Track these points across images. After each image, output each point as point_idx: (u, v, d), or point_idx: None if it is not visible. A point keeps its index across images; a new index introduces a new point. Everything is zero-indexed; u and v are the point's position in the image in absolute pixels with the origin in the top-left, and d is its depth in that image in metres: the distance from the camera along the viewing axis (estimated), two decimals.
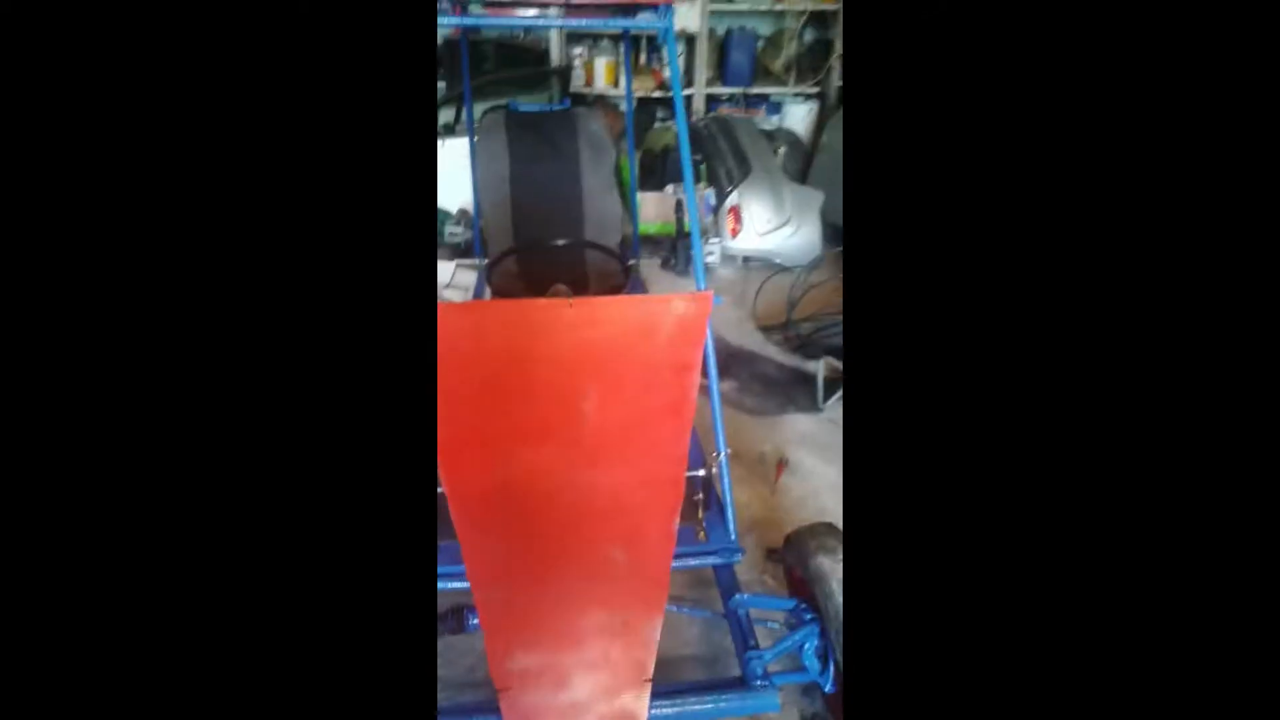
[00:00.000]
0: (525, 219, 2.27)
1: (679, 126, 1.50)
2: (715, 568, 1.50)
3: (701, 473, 1.47)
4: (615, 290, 1.86)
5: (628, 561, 1.30)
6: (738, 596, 1.39)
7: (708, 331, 1.43)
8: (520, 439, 1.39)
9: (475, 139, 2.35)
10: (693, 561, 1.49)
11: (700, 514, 1.51)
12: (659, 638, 1.24)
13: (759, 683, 1.25)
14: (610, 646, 1.26)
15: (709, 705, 1.26)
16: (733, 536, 1.46)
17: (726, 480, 1.46)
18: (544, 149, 2.25)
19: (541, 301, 1.55)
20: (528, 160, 2.24)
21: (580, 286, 2.13)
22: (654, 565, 1.29)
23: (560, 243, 2.03)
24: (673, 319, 1.39)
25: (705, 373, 1.44)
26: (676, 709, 1.26)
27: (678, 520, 1.31)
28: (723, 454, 1.45)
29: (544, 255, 2.02)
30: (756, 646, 1.32)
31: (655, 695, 1.27)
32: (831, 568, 1.21)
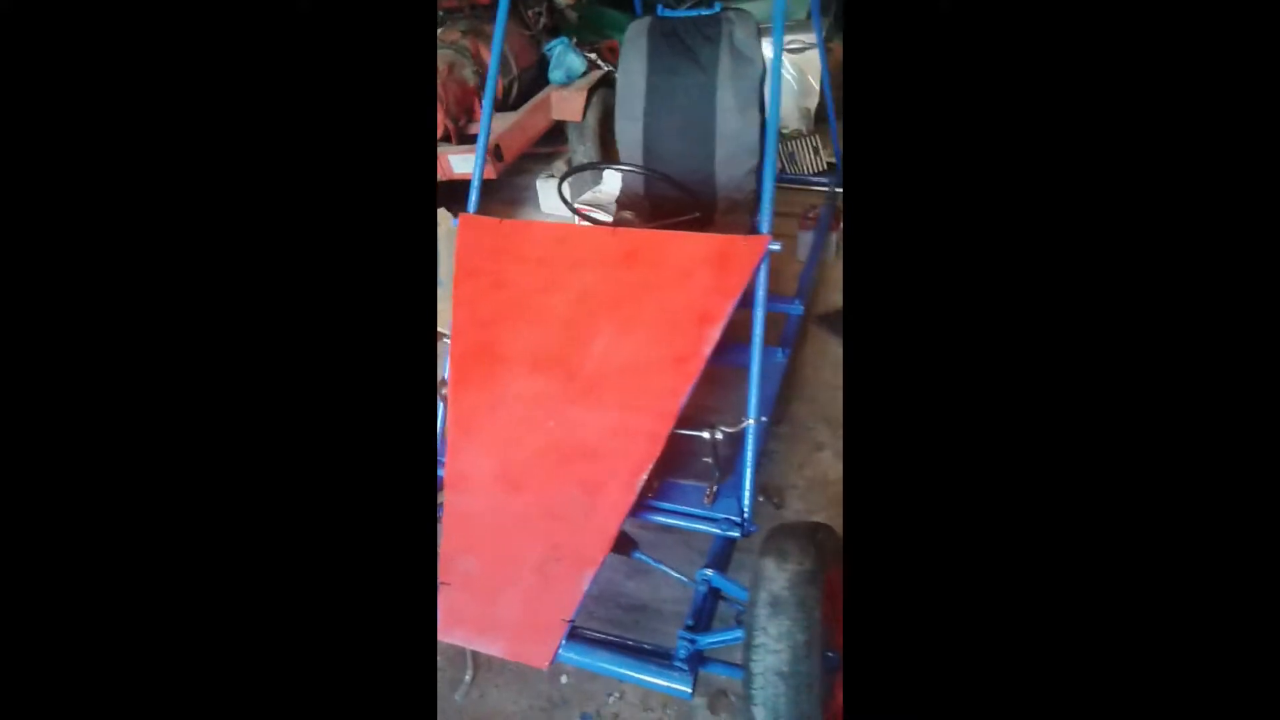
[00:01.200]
0: (656, 138, 2.04)
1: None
2: (715, 537, 1.42)
3: (711, 434, 1.39)
4: (694, 227, 1.74)
5: (583, 505, 1.28)
6: (702, 571, 1.33)
7: (760, 281, 1.36)
8: (526, 363, 1.42)
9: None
10: (685, 524, 1.43)
11: (713, 478, 1.45)
12: (587, 586, 1.21)
13: (679, 664, 1.19)
14: (541, 581, 1.24)
15: (622, 668, 1.22)
16: (745, 510, 1.33)
17: (751, 449, 1.35)
18: (682, 60, 1.99)
19: (583, 228, 1.54)
20: (665, 72, 2.00)
21: (706, 220, 1.97)
22: (605, 516, 1.25)
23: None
24: (714, 262, 1.35)
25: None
26: (589, 658, 1.23)
27: (644, 476, 1.26)
28: (751, 420, 1.35)
29: (671, 181, 1.89)
30: (699, 628, 1.26)
31: (584, 639, 1.25)
32: (773, 572, 1.10)
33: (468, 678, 1.45)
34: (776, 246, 1.38)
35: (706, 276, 1.38)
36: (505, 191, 3.55)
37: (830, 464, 1.90)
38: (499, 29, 1.69)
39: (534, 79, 3.31)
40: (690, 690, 1.13)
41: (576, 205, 2.62)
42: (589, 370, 1.37)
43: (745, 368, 1.86)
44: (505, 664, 1.45)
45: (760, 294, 1.39)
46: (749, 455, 1.37)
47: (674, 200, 2.01)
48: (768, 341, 1.94)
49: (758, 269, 1.38)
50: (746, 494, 1.36)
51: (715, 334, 1.33)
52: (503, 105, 3.16)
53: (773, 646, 1.01)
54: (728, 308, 1.34)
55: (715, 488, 1.45)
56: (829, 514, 1.76)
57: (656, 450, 1.28)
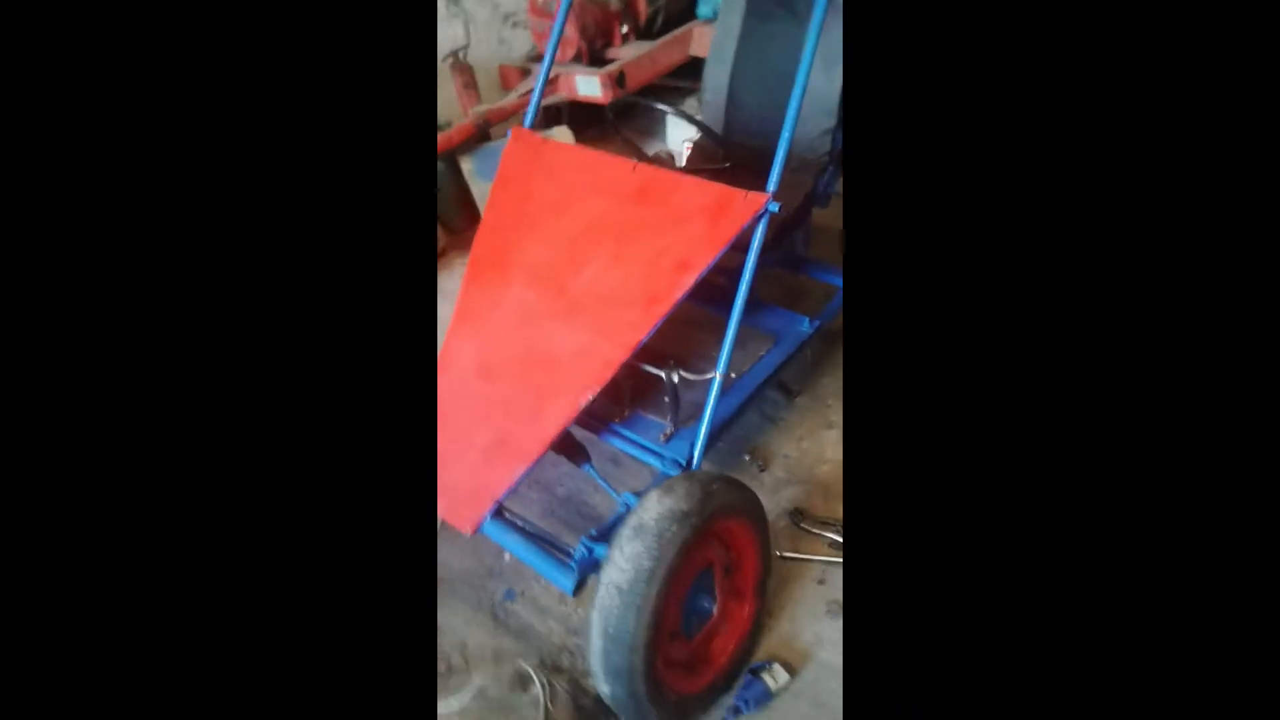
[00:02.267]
0: (741, 86, 1.98)
1: None
2: (659, 472, 1.50)
3: (668, 375, 1.46)
4: (719, 175, 1.72)
5: (533, 407, 1.41)
6: (627, 494, 1.41)
7: (756, 237, 1.38)
8: (526, 274, 1.55)
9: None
10: (639, 454, 1.52)
11: (669, 418, 1.53)
12: (516, 482, 1.35)
13: (571, 564, 1.31)
14: (485, 461, 1.40)
15: (525, 553, 1.34)
16: (695, 455, 1.39)
17: (712, 400, 1.39)
18: (779, 7, 1.89)
19: (610, 158, 1.62)
20: (760, 17, 1.92)
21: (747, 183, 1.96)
22: (548, 421, 1.37)
23: (651, 104, 1.89)
24: (710, 212, 1.38)
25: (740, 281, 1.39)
26: (505, 537, 1.37)
27: (590, 396, 1.36)
28: (718, 374, 1.39)
29: (744, 140, 1.85)
30: (600, 539, 1.33)
31: (506, 521, 1.40)
32: (650, 504, 1.15)
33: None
34: (775, 207, 1.37)
35: (700, 224, 1.41)
36: (641, 120, 3.62)
37: (832, 444, 1.87)
38: None
39: (683, 11, 3.30)
40: (571, 588, 1.25)
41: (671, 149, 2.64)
42: (574, 292, 1.48)
43: (763, 328, 1.86)
44: (462, 534, 1.65)
45: (753, 250, 1.40)
46: (709, 405, 1.41)
47: (748, 150, 1.99)
48: (806, 310, 1.91)
49: (754, 226, 1.38)
50: (700, 441, 1.41)
51: (689, 281, 1.36)
52: (645, 34, 3.19)
53: (621, 564, 1.10)
54: (710, 258, 1.37)
55: (671, 428, 1.53)
56: (806, 489, 1.76)
57: (607, 375, 1.36)
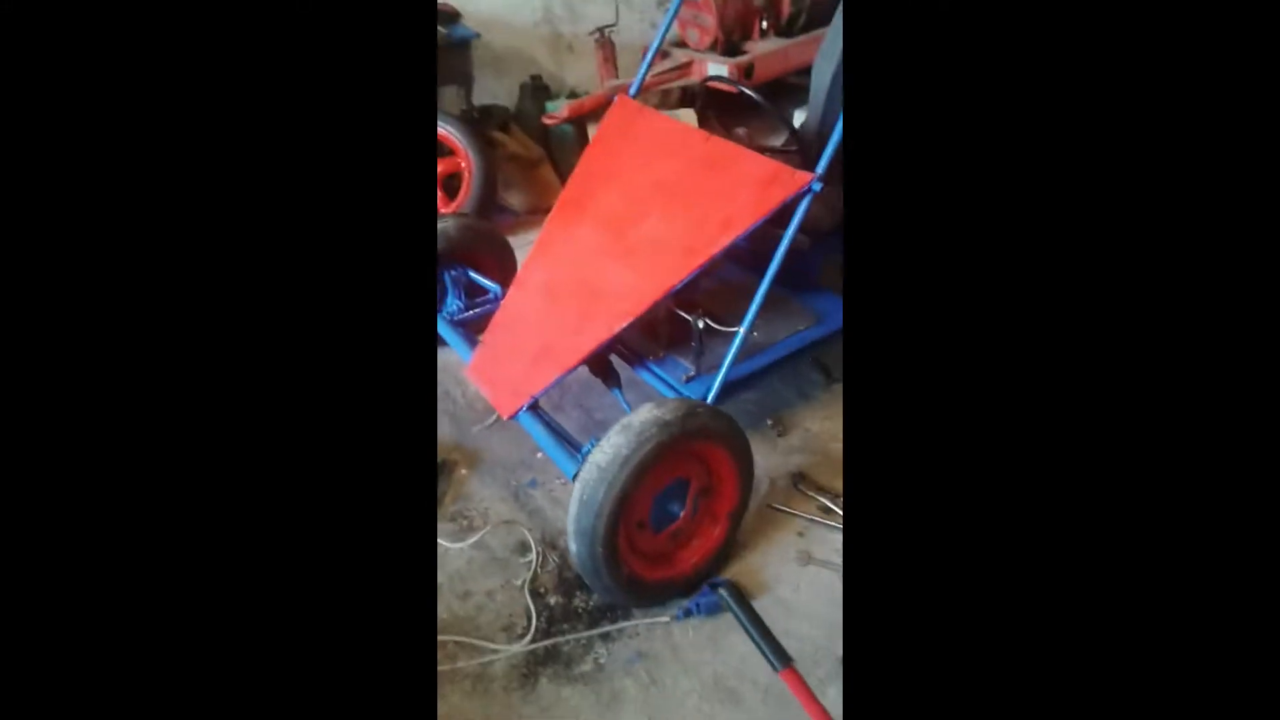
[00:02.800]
0: (837, 87, 2.02)
1: None
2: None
3: (694, 319, 1.67)
4: (785, 156, 1.84)
5: (575, 327, 1.66)
6: (630, 415, 1.58)
7: (797, 214, 1.54)
8: (598, 219, 1.81)
9: None
10: (662, 389, 1.74)
11: (694, 361, 1.73)
12: (551, 384, 1.61)
13: (578, 455, 1.54)
14: (530, 364, 1.67)
15: (542, 439, 1.58)
16: (709, 398, 1.55)
17: (732, 351, 1.55)
18: None
19: (691, 128, 1.85)
20: None
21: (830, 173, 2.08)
22: (584, 340, 1.61)
23: (739, 87, 2.02)
24: (760, 183, 1.57)
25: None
26: (531, 426, 1.63)
27: (624, 324, 1.59)
28: (741, 329, 1.56)
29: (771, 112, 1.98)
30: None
31: (537, 415, 1.66)
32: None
33: (489, 422, 1.99)
34: (817, 187, 1.53)
35: (749, 193, 1.59)
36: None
37: None
38: None
39: (827, 11, 3.40)
40: (572, 474, 1.49)
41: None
42: (631, 237, 1.71)
43: (812, 308, 1.99)
44: (513, 426, 1.94)
45: (793, 223, 1.56)
46: (729, 356, 1.60)
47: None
48: None
49: (795, 201, 1.55)
50: (715, 385, 1.61)
51: (727, 240, 1.55)
52: (785, 31, 3.34)
53: (605, 449, 1.33)
54: (750, 223, 1.55)
55: (694, 371, 1.73)
56: (814, 459, 1.89)
57: (641, 309, 1.59)
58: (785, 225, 1.58)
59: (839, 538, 1.67)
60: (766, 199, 1.56)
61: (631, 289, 1.63)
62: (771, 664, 1.35)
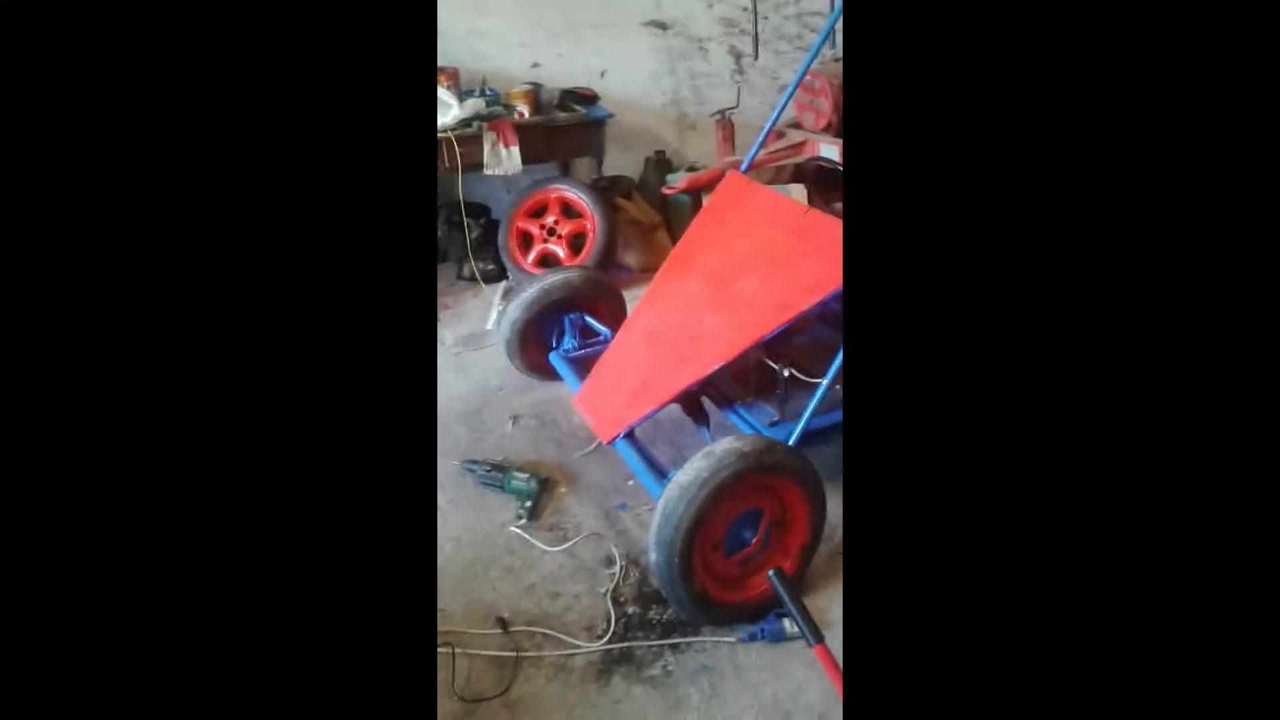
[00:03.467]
0: None
1: None
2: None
3: (780, 369, 1.84)
4: None
5: (672, 368, 1.86)
6: (713, 444, 1.74)
7: None
8: (701, 273, 2.05)
9: None
10: (746, 430, 1.91)
11: (777, 407, 1.90)
12: (646, 415, 1.83)
13: (663, 480, 1.71)
14: (629, 397, 1.89)
15: (633, 463, 1.80)
16: (789, 441, 1.67)
17: (815, 400, 1.68)
18: None
19: (792, 201, 2.08)
20: None
21: None
22: (679, 379, 1.81)
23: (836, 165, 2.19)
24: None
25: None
26: (625, 451, 1.84)
27: (716, 368, 1.78)
28: (825, 381, 1.68)
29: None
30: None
31: (632, 442, 1.85)
32: (722, 445, 1.52)
33: (590, 449, 2.22)
34: None
35: (835, 259, 1.76)
36: None
37: None
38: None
39: None
40: (658, 494, 1.67)
41: None
42: (731, 292, 1.92)
43: None
44: (610, 455, 2.15)
45: None
46: (811, 404, 1.75)
47: None
48: None
49: None
50: (796, 430, 1.76)
51: (814, 300, 1.73)
52: None
53: (687, 471, 1.51)
54: (836, 285, 1.72)
55: (778, 416, 1.88)
56: None
57: (732, 355, 1.78)
58: None
59: None
60: None
61: (725, 337, 1.83)
62: (807, 640, 1.46)
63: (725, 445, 1.53)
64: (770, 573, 1.56)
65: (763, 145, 3.78)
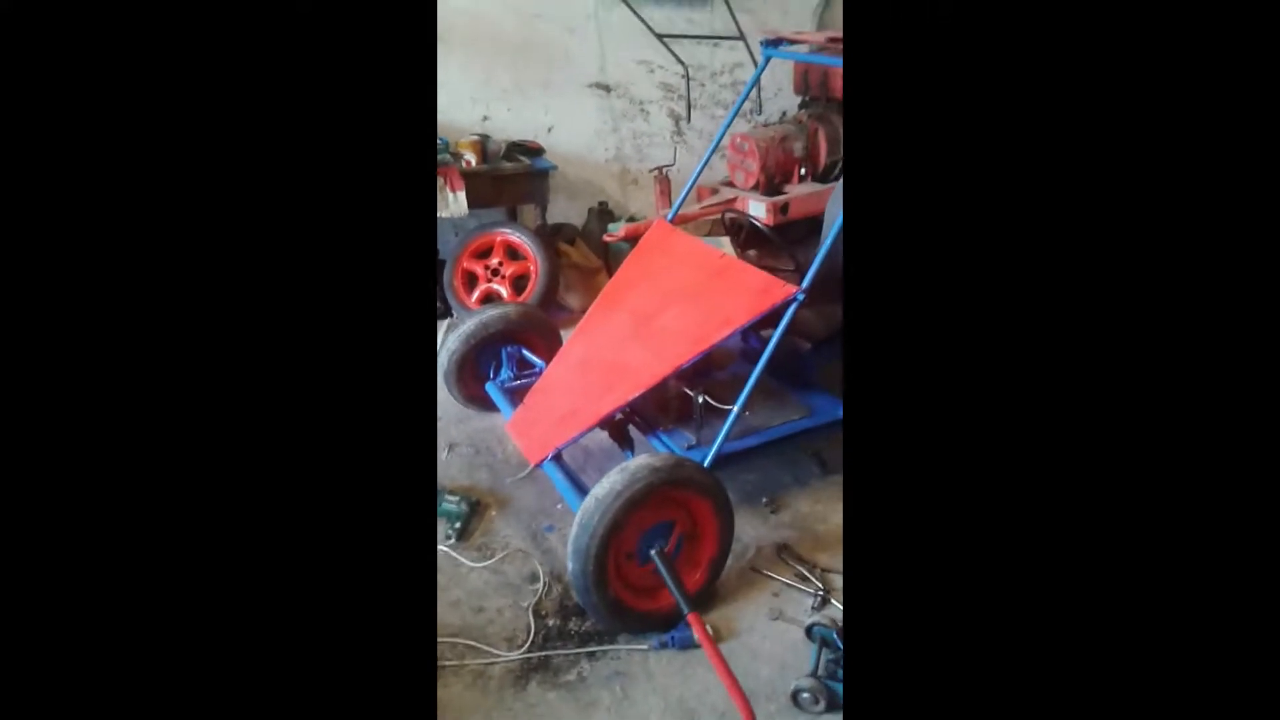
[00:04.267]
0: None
1: None
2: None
3: (695, 395, 2.00)
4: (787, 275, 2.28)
5: (597, 395, 2.01)
6: (628, 461, 1.85)
7: (784, 320, 1.89)
8: (627, 309, 2.21)
9: None
10: (663, 451, 2.06)
11: (694, 432, 2.05)
12: (571, 439, 1.96)
13: (583, 496, 1.82)
14: (557, 422, 2.02)
15: (559, 482, 1.91)
16: (704, 464, 1.83)
17: (726, 426, 1.85)
18: None
19: (709, 247, 2.28)
20: None
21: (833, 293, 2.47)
22: (601, 406, 1.96)
23: (751, 219, 2.42)
24: (755, 291, 1.95)
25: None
26: (553, 472, 1.94)
27: (635, 396, 1.93)
28: (735, 409, 1.86)
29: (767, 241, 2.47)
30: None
31: (559, 464, 1.96)
32: (638, 459, 1.67)
33: (522, 475, 2.32)
34: (800, 297, 1.88)
35: (746, 298, 1.96)
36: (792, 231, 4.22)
37: (838, 518, 2.21)
38: None
39: None
40: (577, 507, 1.78)
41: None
42: (653, 327, 2.09)
43: (807, 403, 2.27)
44: (541, 480, 2.26)
45: (780, 327, 1.91)
46: (724, 430, 1.91)
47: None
48: None
49: (783, 309, 1.90)
50: (711, 452, 1.91)
51: (725, 333, 1.91)
52: (821, 178, 3.84)
53: (605, 484, 1.64)
54: (744, 320, 1.91)
55: (695, 440, 2.03)
56: (801, 535, 2.11)
57: (651, 383, 1.93)
58: (787, 330, 1.94)
59: (808, 600, 1.87)
60: (759, 303, 1.92)
61: (646, 367, 1.99)
62: (682, 606, 1.56)
63: (639, 461, 1.67)
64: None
65: (699, 201, 4.05)
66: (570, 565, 1.65)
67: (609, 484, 1.63)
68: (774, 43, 2.33)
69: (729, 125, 2.48)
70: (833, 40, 2.24)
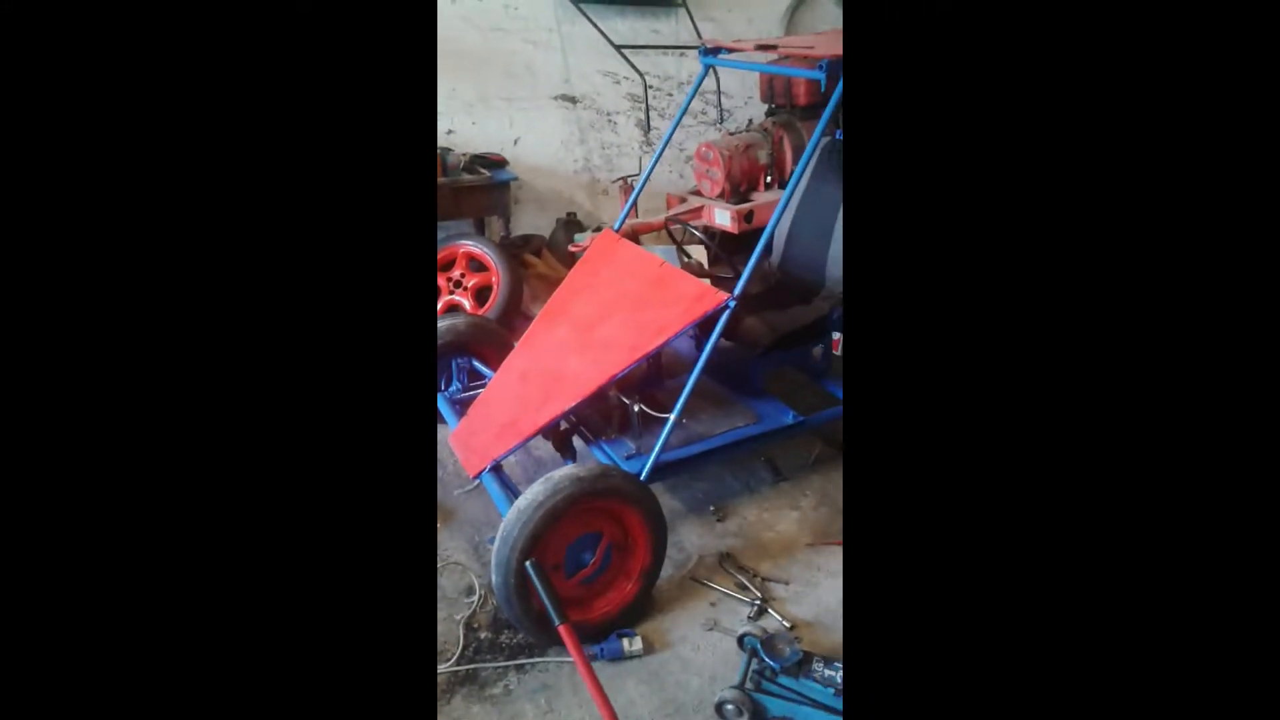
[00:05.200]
0: (796, 230, 2.53)
1: None
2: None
3: (629, 403, 1.99)
4: (712, 277, 2.28)
5: (536, 405, 2.00)
6: (553, 471, 1.80)
7: (718, 327, 1.89)
8: (569, 320, 2.21)
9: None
10: (601, 459, 2.05)
11: (636, 440, 2.04)
12: (510, 450, 1.94)
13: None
14: (496, 434, 2.01)
15: (495, 494, 1.90)
16: (643, 473, 1.84)
17: (664, 434, 1.86)
18: (830, 172, 2.42)
19: (650, 255, 2.28)
20: (817, 179, 2.48)
21: (806, 298, 2.46)
22: (540, 416, 1.95)
23: (691, 229, 2.42)
24: (690, 299, 1.95)
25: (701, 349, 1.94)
26: (490, 485, 1.94)
27: (573, 404, 1.92)
28: (672, 416, 1.87)
29: (792, 269, 2.52)
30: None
31: (497, 476, 1.96)
32: (563, 470, 1.65)
33: (469, 487, 2.31)
34: (731, 304, 1.88)
35: (681, 306, 1.96)
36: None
37: (787, 521, 2.19)
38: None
39: None
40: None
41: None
42: (593, 336, 2.09)
43: (754, 409, 2.26)
44: (487, 493, 2.25)
45: (713, 336, 1.90)
46: (661, 438, 1.90)
47: (793, 280, 2.51)
48: (803, 410, 2.31)
49: (715, 316, 1.89)
50: (649, 463, 1.90)
51: (660, 341, 1.91)
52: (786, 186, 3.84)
53: (527, 496, 1.63)
54: (677, 329, 1.90)
55: (634, 450, 2.02)
56: (745, 544, 2.10)
57: (588, 392, 1.92)
58: (730, 336, 1.93)
59: (746, 610, 1.85)
60: (692, 311, 1.92)
61: (584, 376, 1.98)
62: (553, 618, 1.51)
63: (562, 471, 1.66)
64: (528, 563, 1.60)
65: (669, 209, 4.05)
66: (493, 578, 1.64)
67: (531, 495, 1.62)
68: (712, 51, 2.34)
69: (671, 135, 2.49)
70: (762, 47, 2.25)
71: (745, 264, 2.07)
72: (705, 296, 1.93)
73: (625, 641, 1.70)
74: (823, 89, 2.30)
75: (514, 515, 1.61)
